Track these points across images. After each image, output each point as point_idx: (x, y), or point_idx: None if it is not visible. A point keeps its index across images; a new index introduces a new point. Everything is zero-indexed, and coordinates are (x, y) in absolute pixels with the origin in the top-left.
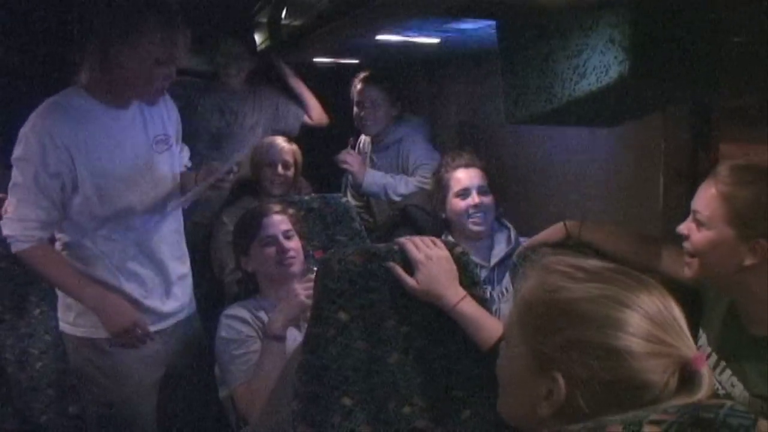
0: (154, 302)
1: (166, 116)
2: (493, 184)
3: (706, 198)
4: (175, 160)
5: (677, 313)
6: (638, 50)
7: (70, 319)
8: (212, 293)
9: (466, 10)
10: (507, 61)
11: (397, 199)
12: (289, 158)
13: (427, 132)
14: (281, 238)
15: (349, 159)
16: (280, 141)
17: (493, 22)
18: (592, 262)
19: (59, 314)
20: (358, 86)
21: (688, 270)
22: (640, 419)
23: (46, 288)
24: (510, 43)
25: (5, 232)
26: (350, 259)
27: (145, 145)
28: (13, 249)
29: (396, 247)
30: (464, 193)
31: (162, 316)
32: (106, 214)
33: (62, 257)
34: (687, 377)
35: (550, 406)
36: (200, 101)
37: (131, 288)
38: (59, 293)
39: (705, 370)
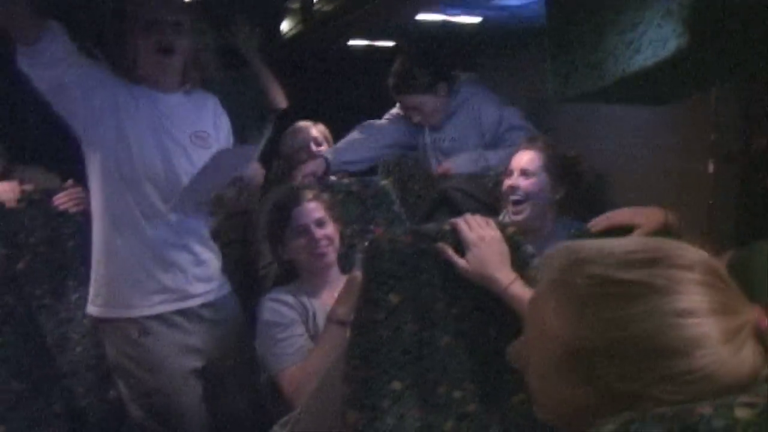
0: (178, 282)
1: (214, 118)
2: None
3: None
4: None
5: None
6: (698, 22)
7: (99, 301)
8: (248, 284)
9: None
10: (555, 37)
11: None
12: (318, 135)
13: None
14: (313, 227)
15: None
16: (303, 123)
17: None
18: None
19: (90, 298)
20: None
21: None
22: (731, 401)
23: (84, 272)
24: (559, 19)
25: None
26: (400, 240)
27: (182, 134)
28: None
29: (447, 227)
30: (509, 174)
31: (187, 294)
32: (133, 179)
33: None
34: (761, 341)
35: None
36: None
37: (153, 267)
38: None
39: None
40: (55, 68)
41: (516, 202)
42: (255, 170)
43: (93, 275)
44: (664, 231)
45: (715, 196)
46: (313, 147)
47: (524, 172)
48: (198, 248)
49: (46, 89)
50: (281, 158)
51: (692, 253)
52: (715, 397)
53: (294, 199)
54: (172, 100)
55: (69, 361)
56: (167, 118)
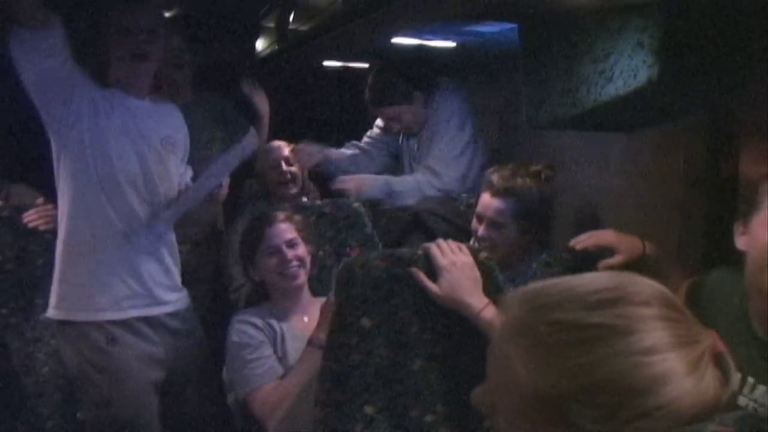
0: (147, 289)
1: (178, 125)
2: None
3: None
4: (178, 169)
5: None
6: (668, 53)
7: (59, 303)
8: (217, 306)
9: (489, 13)
10: (529, 64)
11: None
12: (291, 155)
13: (463, 105)
14: (284, 248)
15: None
16: (276, 142)
17: (514, 25)
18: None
19: (51, 302)
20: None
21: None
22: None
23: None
24: (533, 47)
25: None
26: (374, 264)
27: (155, 139)
28: None
29: (420, 252)
30: (478, 218)
31: (156, 302)
32: (105, 178)
33: None
34: (718, 364)
35: None
36: None
37: (124, 271)
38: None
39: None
40: (53, 59)
41: (486, 248)
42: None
43: (57, 278)
44: (641, 261)
45: (684, 222)
46: (284, 167)
47: (493, 224)
48: (167, 256)
49: (34, 81)
50: (254, 177)
51: (648, 287)
52: (685, 425)
53: (266, 220)
54: (144, 105)
55: (35, 381)
56: (141, 122)
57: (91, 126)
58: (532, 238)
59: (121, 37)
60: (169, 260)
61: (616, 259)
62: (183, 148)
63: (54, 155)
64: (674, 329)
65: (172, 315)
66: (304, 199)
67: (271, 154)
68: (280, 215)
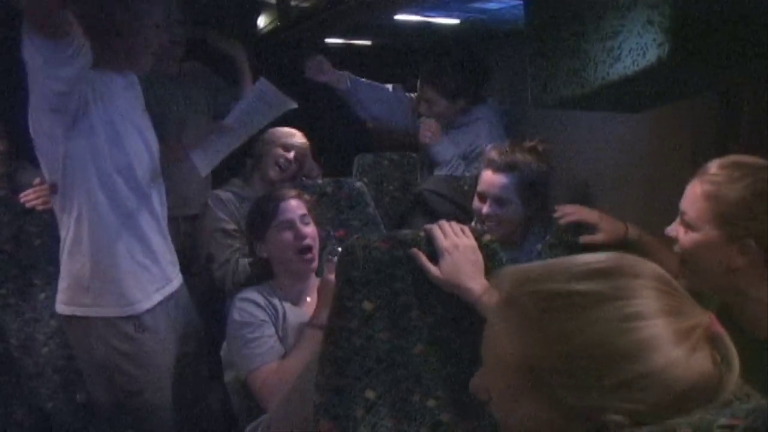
0: (161, 267)
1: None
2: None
3: (692, 198)
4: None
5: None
6: (679, 32)
7: (87, 301)
8: (201, 285)
9: None
10: (535, 43)
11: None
12: (291, 140)
13: (500, 119)
14: (298, 223)
15: (426, 128)
16: (279, 128)
17: (519, 2)
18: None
19: (66, 299)
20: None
21: (680, 275)
22: (709, 423)
23: (52, 271)
24: (539, 24)
25: None
26: (375, 246)
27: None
28: None
29: (423, 234)
30: (481, 197)
31: (169, 278)
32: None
33: None
34: (714, 345)
35: None
36: (158, 90)
37: (144, 254)
38: (64, 275)
39: (722, 331)
40: (75, 64)
41: (491, 227)
42: None
43: (77, 275)
44: (623, 244)
45: None
46: (281, 151)
47: (497, 200)
48: (166, 231)
49: (58, 88)
50: (253, 157)
51: (643, 263)
52: (677, 407)
53: (279, 196)
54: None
55: (34, 362)
56: (138, 99)
57: (101, 112)
58: (534, 214)
59: (159, 27)
60: (167, 233)
61: (597, 237)
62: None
63: (57, 156)
64: (664, 299)
65: (179, 289)
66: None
67: (273, 135)
68: (292, 191)
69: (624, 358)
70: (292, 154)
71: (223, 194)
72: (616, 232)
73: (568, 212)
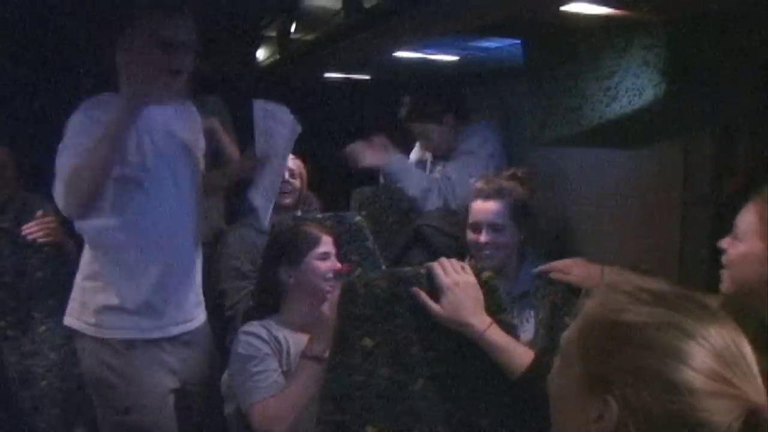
0: (170, 307)
1: (194, 125)
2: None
3: (745, 212)
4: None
5: (747, 351)
6: (674, 73)
7: (91, 320)
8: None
9: (493, 29)
10: (534, 81)
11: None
12: (294, 167)
13: (495, 135)
14: (333, 256)
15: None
16: None
17: (517, 41)
18: (661, 286)
19: (72, 312)
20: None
21: (722, 284)
22: None
23: (52, 304)
24: (537, 64)
25: None
26: (376, 283)
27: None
28: None
29: (423, 271)
30: (475, 227)
31: (179, 321)
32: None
33: None
34: (753, 424)
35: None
36: None
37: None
38: (78, 288)
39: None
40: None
41: (488, 255)
42: None
43: (101, 297)
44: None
45: (685, 239)
46: (286, 176)
47: (493, 227)
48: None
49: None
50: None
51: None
52: None
53: (319, 227)
54: (167, 112)
55: (32, 396)
56: (166, 127)
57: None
58: (525, 240)
59: (161, 52)
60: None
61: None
62: (199, 146)
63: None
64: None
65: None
66: (298, 212)
67: None
68: (326, 226)
69: (651, 349)
70: (288, 176)
71: (243, 230)
72: (587, 277)
73: (541, 269)
